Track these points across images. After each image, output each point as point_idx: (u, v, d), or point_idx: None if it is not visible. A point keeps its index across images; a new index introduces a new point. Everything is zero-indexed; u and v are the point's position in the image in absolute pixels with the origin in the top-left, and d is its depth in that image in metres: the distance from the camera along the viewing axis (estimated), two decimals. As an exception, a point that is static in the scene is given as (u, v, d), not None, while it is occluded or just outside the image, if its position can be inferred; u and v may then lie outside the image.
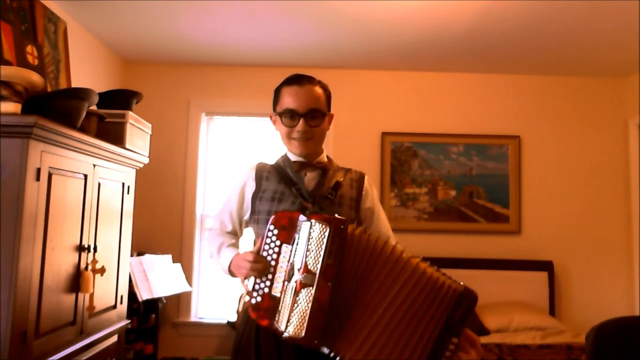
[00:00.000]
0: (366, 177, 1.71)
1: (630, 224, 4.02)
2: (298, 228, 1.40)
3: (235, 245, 1.68)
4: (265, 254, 1.43)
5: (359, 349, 1.33)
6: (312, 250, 1.36)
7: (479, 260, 3.90)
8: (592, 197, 4.08)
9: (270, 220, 1.44)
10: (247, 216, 1.67)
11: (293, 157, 1.66)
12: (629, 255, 4.01)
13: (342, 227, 1.37)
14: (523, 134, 4.12)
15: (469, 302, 1.34)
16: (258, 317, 1.39)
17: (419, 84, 4.15)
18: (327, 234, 1.36)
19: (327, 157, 1.72)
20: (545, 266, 3.93)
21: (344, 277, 1.36)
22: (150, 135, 2.85)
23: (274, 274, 1.40)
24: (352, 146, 4.05)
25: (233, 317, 3.68)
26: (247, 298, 1.43)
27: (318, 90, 1.63)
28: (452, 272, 1.40)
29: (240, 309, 3.55)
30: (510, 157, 4.09)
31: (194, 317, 3.96)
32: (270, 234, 1.43)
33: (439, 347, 1.31)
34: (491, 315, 3.48)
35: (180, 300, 3.89)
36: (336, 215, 1.42)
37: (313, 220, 1.38)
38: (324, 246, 1.35)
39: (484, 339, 3.15)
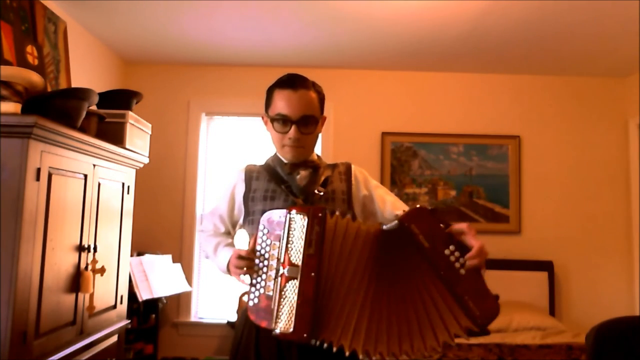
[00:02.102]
0: (353, 166, 1.67)
1: (630, 224, 4.02)
2: (284, 224, 1.39)
3: (232, 245, 1.68)
4: (258, 254, 1.42)
5: (348, 334, 1.30)
6: (293, 242, 1.35)
7: (479, 260, 3.89)
8: (592, 197, 4.08)
9: (260, 220, 1.43)
10: (241, 219, 1.66)
11: (284, 159, 1.65)
12: (629, 255, 4.01)
13: (320, 215, 1.35)
14: (523, 134, 4.12)
15: (422, 216, 1.33)
16: (257, 318, 1.38)
17: (419, 84, 4.15)
18: (305, 223, 1.34)
19: (317, 155, 1.70)
20: (545, 266, 3.92)
21: (328, 265, 1.34)
22: (150, 135, 2.85)
23: (267, 273, 1.39)
24: (352, 146, 4.05)
25: (233, 317, 3.68)
26: (246, 299, 1.43)
27: (312, 94, 1.58)
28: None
29: (238, 310, 3.55)
30: (510, 157, 4.09)
31: (194, 317, 3.96)
32: (260, 234, 1.42)
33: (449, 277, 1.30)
34: (491, 315, 3.47)
35: (180, 300, 3.89)
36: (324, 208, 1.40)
37: (293, 212, 1.37)
38: (303, 236, 1.34)
39: (484, 339, 3.14)
